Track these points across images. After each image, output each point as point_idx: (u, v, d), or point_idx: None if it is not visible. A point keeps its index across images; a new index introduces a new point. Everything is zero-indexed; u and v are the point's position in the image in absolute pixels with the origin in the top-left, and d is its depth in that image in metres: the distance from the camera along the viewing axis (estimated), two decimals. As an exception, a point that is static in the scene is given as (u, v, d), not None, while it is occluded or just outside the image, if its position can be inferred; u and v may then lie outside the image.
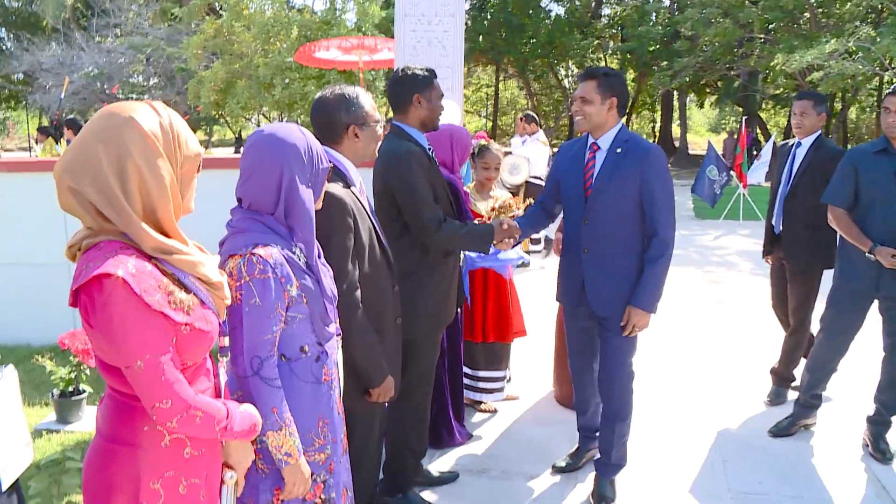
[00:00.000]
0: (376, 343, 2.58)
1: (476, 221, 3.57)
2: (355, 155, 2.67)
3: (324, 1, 18.84)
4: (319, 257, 2.17)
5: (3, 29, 31.78)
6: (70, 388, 4.40)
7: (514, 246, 3.65)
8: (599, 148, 3.38)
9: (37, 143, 9.82)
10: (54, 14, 24.95)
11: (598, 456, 3.63)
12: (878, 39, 14.56)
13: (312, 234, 2.10)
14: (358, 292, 2.51)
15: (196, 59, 14.18)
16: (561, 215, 3.66)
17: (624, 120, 3.27)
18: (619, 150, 3.32)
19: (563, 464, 3.88)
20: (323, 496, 2.16)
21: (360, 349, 2.53)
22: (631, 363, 3.50)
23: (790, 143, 4.79)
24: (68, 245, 1.60)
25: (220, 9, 15.33)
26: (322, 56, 10.07)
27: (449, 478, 3.72)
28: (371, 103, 2.66)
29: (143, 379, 1.52)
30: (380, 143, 2.77)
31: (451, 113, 5.23)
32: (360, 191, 2.67)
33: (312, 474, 2.11)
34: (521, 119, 10.23)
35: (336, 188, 2.51)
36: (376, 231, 2.71)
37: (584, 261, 3.40)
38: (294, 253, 2.03)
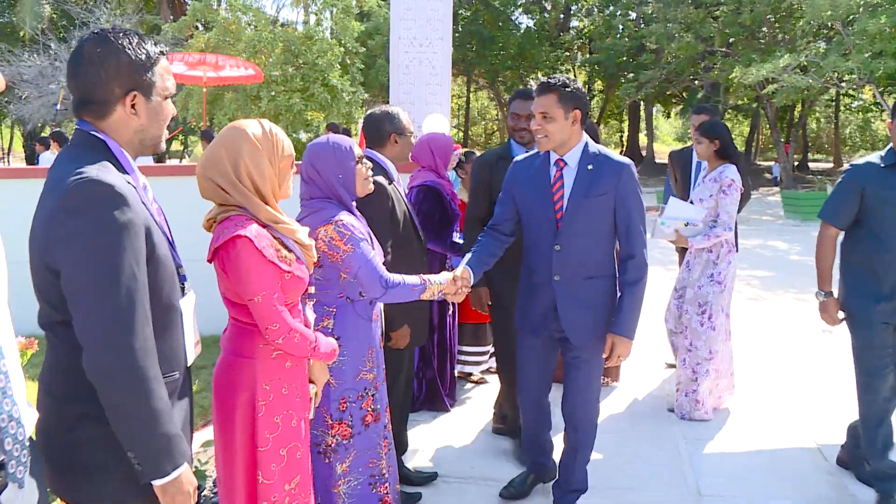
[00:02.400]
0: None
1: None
2: (395, 157, 3.41)
3: (298, 14, 19.53)
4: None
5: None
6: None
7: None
8: (567, 165, 3.12)
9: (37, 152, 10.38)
10: (32, 24, 25.21)
11: (556, 479, 3.51)
12: (827, 56, 15.60)
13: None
14: (388, 256, 3.20)
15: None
16: None
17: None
18: (590, 167, 3.08)
19: (511, 490, 3.60)
20: (373, 406, 2.89)
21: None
22: (599, 389, 3.34)
23: (686, 149, 5.44)
24: (207, 219, 2.30)
25: (207, 24, 15.93)
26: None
27: (428, 478, 3.82)
28: (407, 119, 3.40)
29: (261, 308, 2.21)
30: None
31: (439, 124, 5.95)
32: (398, 183, 3.40)
33: (365, 388, 2.84)
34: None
35: (381, 179, 3.22)
36: (410, 217, 3.43)
37: (557, 287, 3.15)
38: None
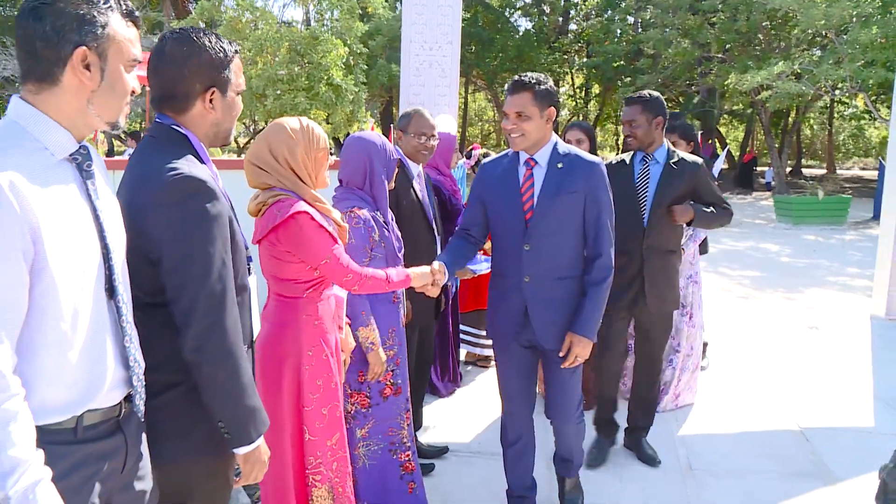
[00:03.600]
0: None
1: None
2: (408, 153, 3.78)
3: (305, 14, 19.82)
4: (392, 220, 3.20)
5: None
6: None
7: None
8: (537, 163, 3.09)
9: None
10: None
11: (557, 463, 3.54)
12: (820, 64, 15.96)
13: (386, 202, 3.14)
14: None
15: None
16: None
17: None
18: (560, 166, 3.05)
19: None
20: (392, 380, 3.18)
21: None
22: (579, 388, 3.29)
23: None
24: (256, 203, 2.59)
25: (214, 22, 16.19)
26: None
27: (440, 451, 4.14)
28: (423, 120, 3.75)
29: (332, 267, 2.51)
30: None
31: (448, 124, 6.24)
32: (418, 177, 3.71)
33: (385, 362, 3.13)
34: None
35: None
36: (422, 208, 3.73)
37: (527, 289, 3.08)
38: (375, 213, 3.06)
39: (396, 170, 3.31)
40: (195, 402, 1.89)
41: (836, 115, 35.61)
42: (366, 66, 17.06)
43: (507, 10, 33.03)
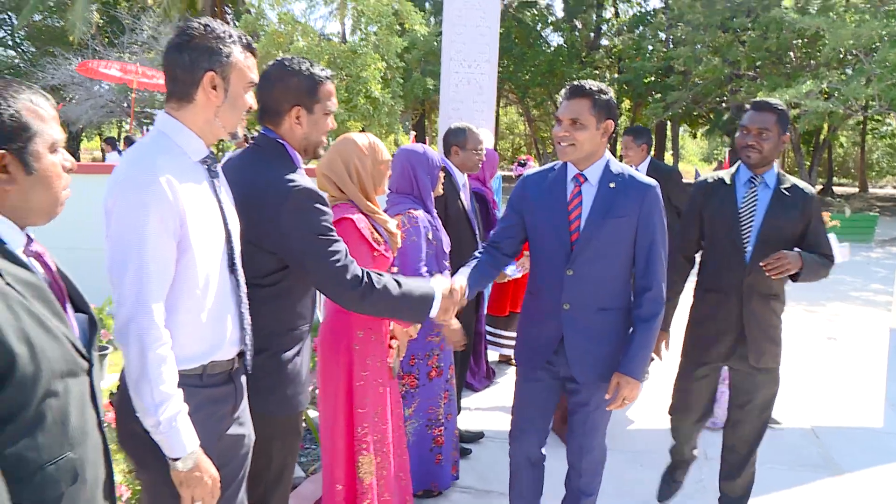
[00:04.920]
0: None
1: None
2: (460, 164, 4.14)
3: (341, 28, 20.39)
4: (440, 224, 3.62)
5: (28, 43, 32.98)
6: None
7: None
8: (587, 181, 2.84)
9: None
10: (81, 30, 26.07)
11: None
12: (849, 83, 16.18)
13: (433, 205, 3.55)
14: None
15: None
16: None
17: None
18: (612, 185, 2.80)
19: None
20: (437, 364, 3.61)
21: None
22: (605, 433, 3.04)
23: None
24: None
25: (256, 35, 16.77)
26: (104, 71, 12.80)
27: (476, 436, 4.56)
28: (471, 135, 4.16)
29: None
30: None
31: (487, 139, 6.65)
32: (463, 187, 4.13)
33: (431, 349, 3.58)
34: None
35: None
36: (467, 216, 4.15)
37: (565, 317, 2.85)
38: (429, 215, 3.47)
39: (442, 177, 3.71)
40: (279, 365, 2.35)
41: (868, 133, 35.57)
42: (402, 80, 17.54)
43: (540, 25, 33.48)
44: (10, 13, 31.84)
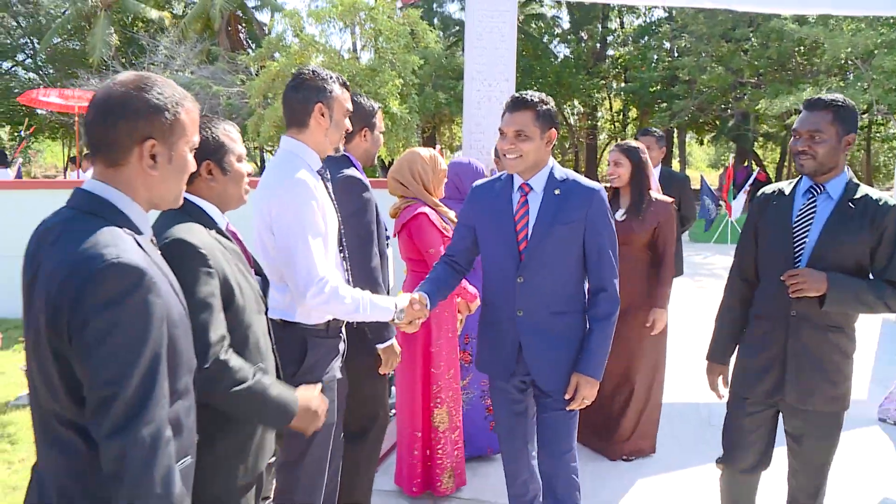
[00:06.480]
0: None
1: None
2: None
3: (353, 44, 21.15)
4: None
5: (48, 66, 33.82)
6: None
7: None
8: (532, 189, 2.89)
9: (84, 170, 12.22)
10: (100, 52, 26.76)
11: None
12: (846, 90, 16.84)
13: None
14: None
15: (257, 98, 16.43)
16: None
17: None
18: (557, 192, 2.85)
19: None
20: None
21: None
22: (574, 438, 3.01)
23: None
24: (393, 209, 3.69)
25: (279, 52, 17.56)
26: (43, 99, 13.27)
27: None
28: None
29: (434, 258, 3.56)
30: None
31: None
32: None
33: None
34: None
35: None
36: None
37: (520, 323, 2.89)
38: None
39: None
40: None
41: (872, 137, 36.11)
42: (416, 96, 18.28)
43: (546, 37, 34.16)
44: (31, 38, 32.76)
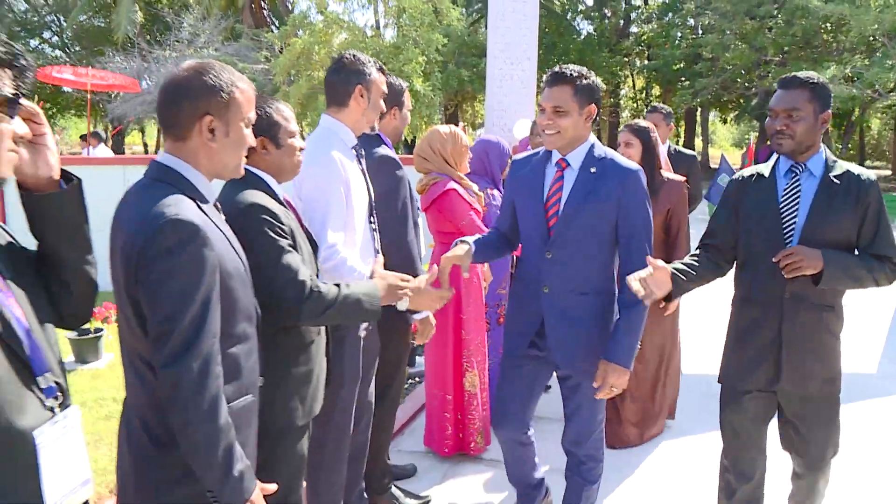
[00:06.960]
0: None
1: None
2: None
3: (375, 21, 21.29)
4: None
5: (74, 43, 34.15)
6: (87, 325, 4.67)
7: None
8: (569, 166, 2.83)
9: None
10: (125, 29, 26.96)
11: None
12: (871, 67, 16.77)
13: (501, 186, 4.45)
14: None
15: (282, 76, 16.65)
16: None
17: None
18: (593, 170, 2.78)
19: None
20: (505, 312, 4.48)
21: None
22: (602, 419, 3.01)
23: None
24: (422, 184, 3.90)
25: (304, 30, 17.75)
26: (57, 76, 13.51)
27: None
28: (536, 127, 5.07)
29: (468, 226, 3.78)
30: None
31: (522, 128, 7.46)
32: None
33: (501, 299, 4.47)
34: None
35: None
36: None
37: (545, 300, 2.86)
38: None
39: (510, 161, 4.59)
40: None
41: (897, 115, 35.74)
42: (440, 73, 18.42)
43: (570, 13, 34.02)
44: (57, 15, 33.11)
